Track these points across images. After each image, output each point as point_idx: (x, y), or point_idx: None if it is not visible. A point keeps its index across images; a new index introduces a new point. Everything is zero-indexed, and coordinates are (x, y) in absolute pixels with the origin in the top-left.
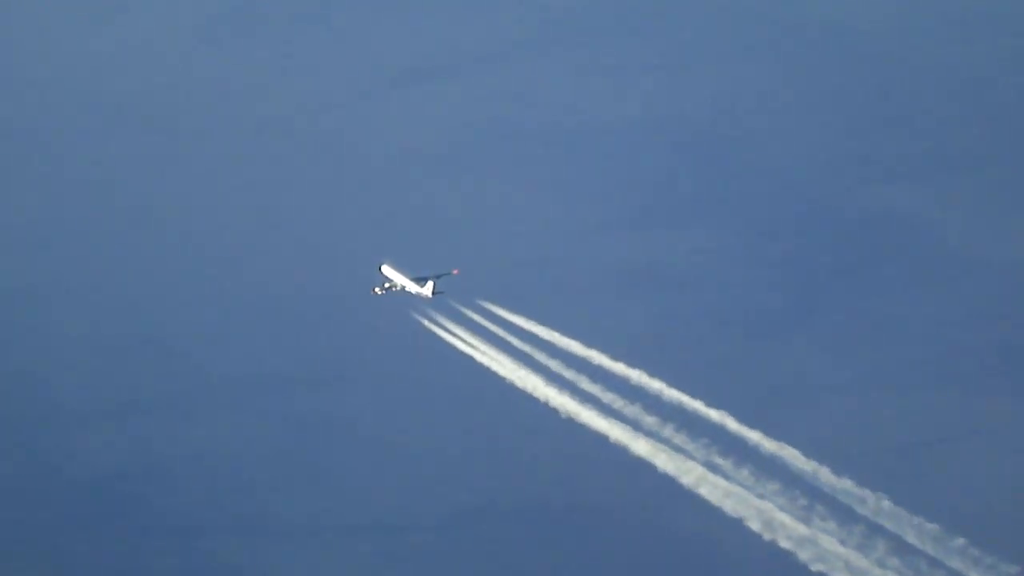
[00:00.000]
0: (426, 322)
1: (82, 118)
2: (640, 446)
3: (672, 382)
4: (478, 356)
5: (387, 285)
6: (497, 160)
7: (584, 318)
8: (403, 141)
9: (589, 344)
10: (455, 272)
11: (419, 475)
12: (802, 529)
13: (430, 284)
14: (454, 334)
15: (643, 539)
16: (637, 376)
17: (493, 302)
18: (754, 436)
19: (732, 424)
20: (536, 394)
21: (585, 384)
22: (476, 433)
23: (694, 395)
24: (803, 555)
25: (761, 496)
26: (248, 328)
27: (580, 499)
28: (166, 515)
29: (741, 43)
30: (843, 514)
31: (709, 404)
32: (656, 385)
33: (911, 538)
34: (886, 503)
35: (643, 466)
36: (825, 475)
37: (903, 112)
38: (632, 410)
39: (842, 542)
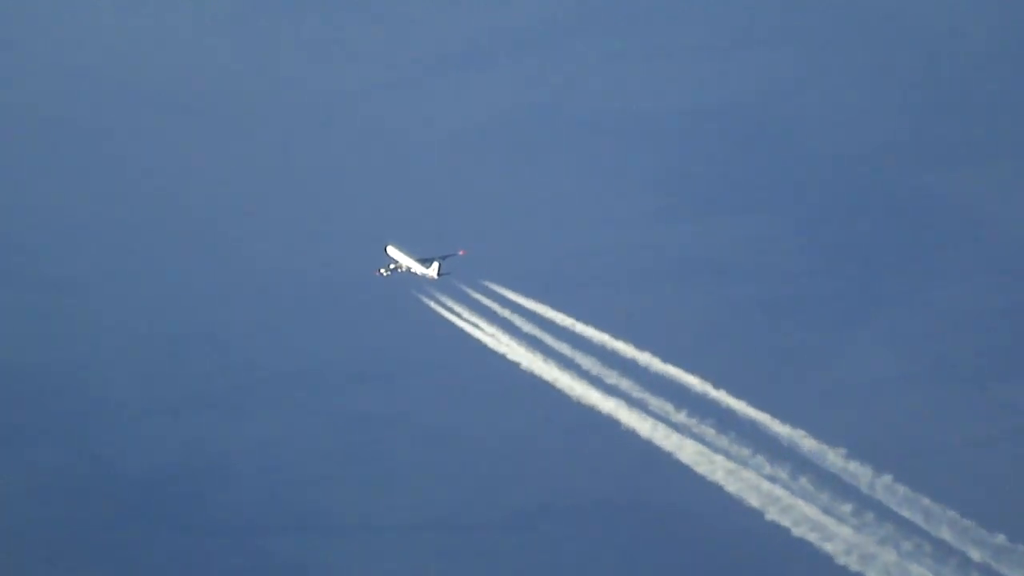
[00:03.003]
0: (455, 318)
1: (125, 110)
2: (688, 450)
3: (718, 381)
4: (513, 356)
5: (392, 266)
6: (539, 147)
7: (628, 311)
8: (443, 127)
9: (636, 344)
10: (461, 253)
11: (477, 472)
12: (845, 532)
13: (435, 265)
14: (481, 328)
15: (701, 539)
16: (676, 373)
17: (531, 295)
18: (811, 441)
19: (791, 430)
20: (578, 393)
21: (620, 382)
22: (530, 431)
23: (740, 395)
24: (855, 564)
25: (815, 504)
26: (296, 322)
27: (639, 498)
28: (222, 512)
29: (792, 25)
30: (907, 529)
31: (759, 407)
32: (697, 382)
33: (990, 560)
34: (954, 516)
35: (697, 466)
36: (888, 483)
37: (963, 96)
38: (679, 412)
39: (913, 559)
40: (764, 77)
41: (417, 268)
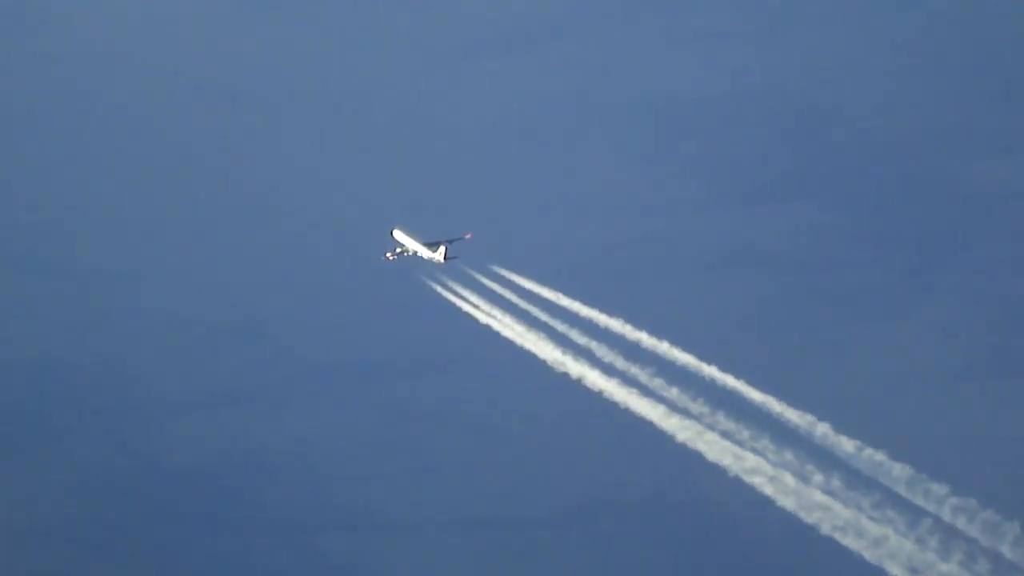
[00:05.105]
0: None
1: (160, 98)
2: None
3: (759, 375)
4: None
5: (399, 250)
6: (575, 133)
7: (663, 304)
8: (476, 114)
9: (669, 339)
10: (468, 236)
11: (525, 468)
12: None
13: (442, 249)
14: (513, 324)
15: (750, 539)
16: (711, 370)
17: (568, 290)
18: (852, 444)
19: (836, 431)
20: (602, 387)
21: (639, 373)
22: (574, 426)
23: (785, 392)
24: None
25: (865, 512)
26: (328, 312)
27: (689, 497)
28: (267, 508)
29: (838, 7)
30: (965, 541)
31: (802, 407)
32: (732, 380)
33: None
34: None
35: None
36: (932, 482)
37: (1014, 80)
38: (715, 413)
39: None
40: (810, 61)
41: (424, 252)
